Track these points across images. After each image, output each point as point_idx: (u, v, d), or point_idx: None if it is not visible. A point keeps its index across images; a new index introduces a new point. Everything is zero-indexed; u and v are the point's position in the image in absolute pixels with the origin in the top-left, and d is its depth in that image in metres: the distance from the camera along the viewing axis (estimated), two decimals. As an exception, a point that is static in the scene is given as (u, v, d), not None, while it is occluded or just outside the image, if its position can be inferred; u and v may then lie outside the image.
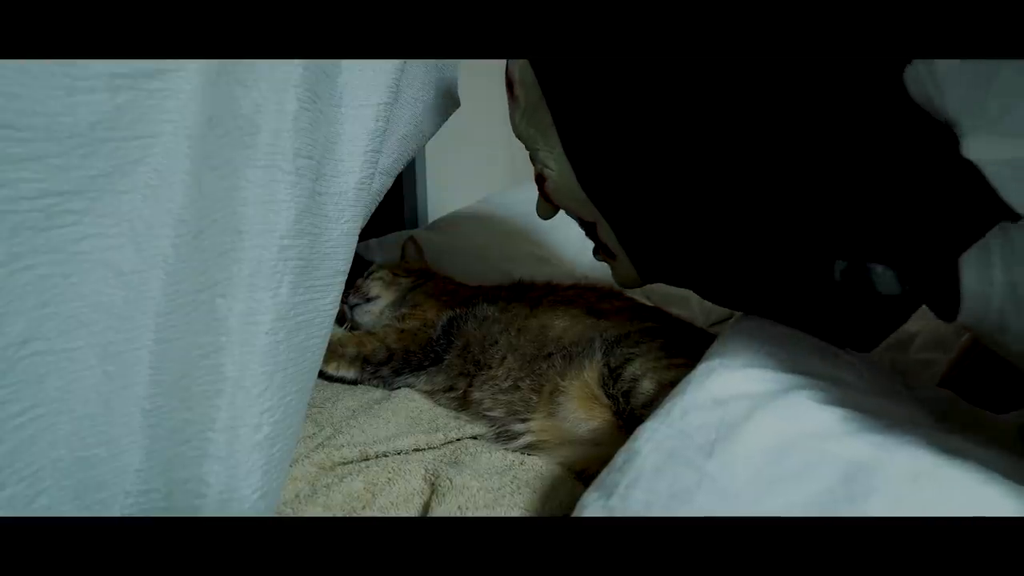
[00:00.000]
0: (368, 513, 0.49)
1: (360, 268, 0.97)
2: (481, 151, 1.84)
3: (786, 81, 0.41)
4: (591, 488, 0.39)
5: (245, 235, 0.40)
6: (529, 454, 0.58)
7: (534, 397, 0.63)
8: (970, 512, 0.29)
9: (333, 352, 0.75)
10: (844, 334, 0.50)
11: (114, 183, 0.33)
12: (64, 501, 0.33)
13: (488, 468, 0.54)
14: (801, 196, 0.44)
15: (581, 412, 0.58)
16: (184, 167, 0.36)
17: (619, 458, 0.39)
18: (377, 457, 0.56)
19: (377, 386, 0.76)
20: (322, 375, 0.75)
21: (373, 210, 0.65)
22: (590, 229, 0.60)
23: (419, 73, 0.64)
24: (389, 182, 0.65)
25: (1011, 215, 0.33)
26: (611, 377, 0.58)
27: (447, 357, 0.74)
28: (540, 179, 0.59)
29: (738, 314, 0.58)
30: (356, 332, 0.84)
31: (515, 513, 0.48)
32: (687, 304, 1.08)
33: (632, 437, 0.40)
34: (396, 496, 0.51)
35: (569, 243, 1.18)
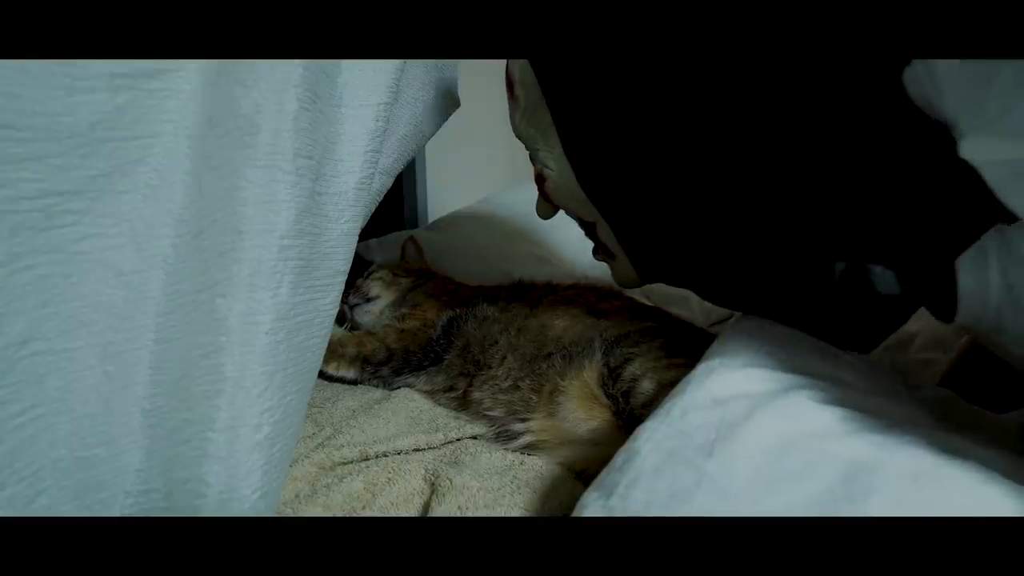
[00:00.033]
0: (368, 513, 0.49)
1: (360, 268, 0.97)
2: (481, 151, 1.84)
3: (785, 82, 0.41)
4: (591, 488, 0.39)
5: (245, 235, 0.40)
6: (529, 454, 0.58)
7: (534, 397, 0.63)
8: (970, 512, 0.29)
9: (333, 352, 0.75)
10: (844, 334, 0.50)
11: (114, 183, 0.33)
12: (64, 501, 0.33)
13: (488, 468, 0.54)
14: (800, 197, 0.44)
15: (581, 412, 0.58)
16: (184, 167, 0.36)
17: (619, 458, 0.39)
18: (377, 457, 0.56)
19: (377, 386, 0.76)
20: (322, 375, 0.75)
21: (373, 210, 0.65)
22: (590, 229, 0.60)
23: (419, 73, 0.64)
24: (389, 182, 0.65)
25: (1008, 217, 0.33)
26: (611, 377, 0.58)
27: (447, 357, 0.74)
28: (540, 179, 0.59)
29: (738, 314, 0.58)
30: (356, 332, 0.84)
31: (515, 513, 0.48)
32: (687, 304, 1.08)
33: (632, 437, 0.40)
34: (396, 496, 0.51)
35: (569, 243, 1.18)
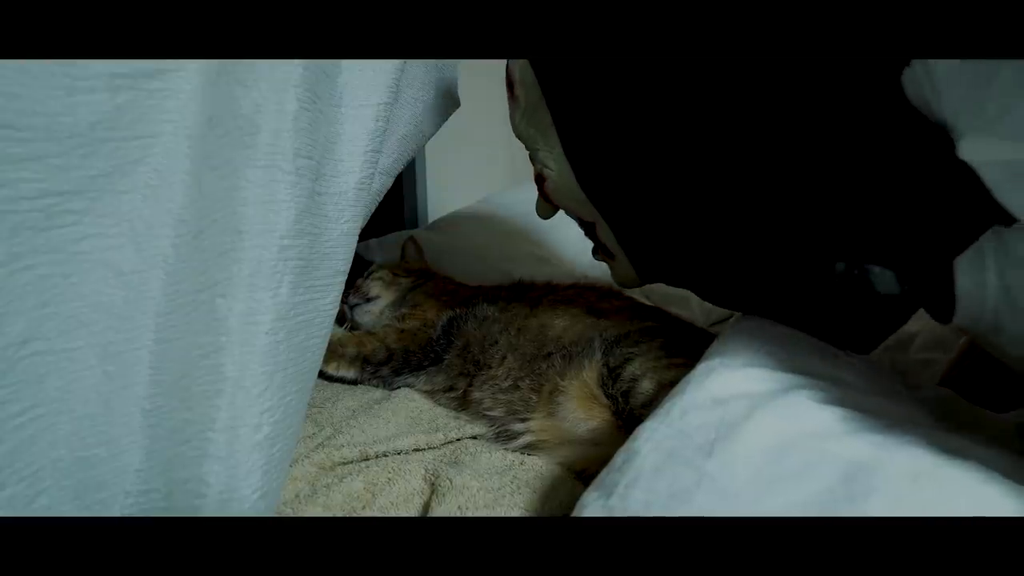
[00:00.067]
0: (368, 513, 0.49)
1: (360, 268, 0.97)
2: (481, 151, 1.84)
3: (785, 83, 0.41)
4: (591, 488, 0.39)
5: (245, 235, 0.40)
6: (529, 454, 0.58)
7: (534, 397, 0.63)
8: (970, 512, 0.29)
9: (333, 352, 0.75)
10: (843, 335, 0.50)
11: (114, 183, 0.33)
12: (64, 501, 0.33)
13: (488, 468, 0.54)
14: (799, 197, 0.44)
15: (580, 412, 0.58)
16: (184, 167, 0.36)
17: (618, 458, 0.39)
18: (377, 457, 0.56)
19: (377, 386, 0.76)
20: (322, 375, 0.75)
21: (373, 210, 0.65)
22: (589, 229, 0.60)
23: (419, 73, 0.64)
24: (389, 182, 0.65)
25: (1005, 219, 0.33)
26: (610, 377, 0.58)
27: (447, 357, 0.74)
28: (540, 179, 0.59)
29: (738, 314, 0.58)
30: (356, 332, 0.84)
31: (515, 513, 0.48)
32: (687, 304, 1.08)
33: (631, 437, 0.40)
34: (396, 496, 0.51)
35: (569, 243, 1.18)
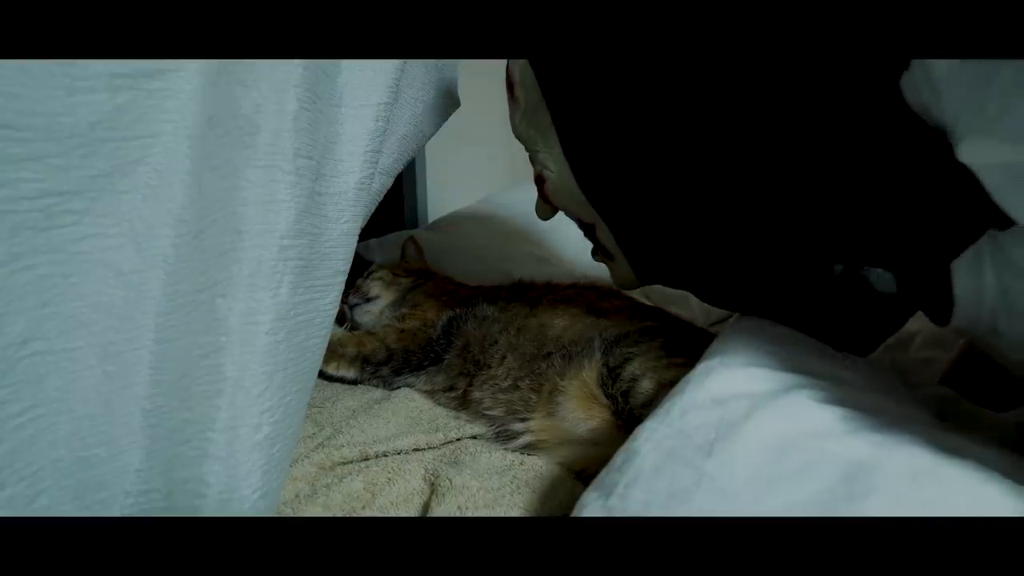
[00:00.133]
0: (368, 513, 0.49)
1: (360, 268, 0.97)
2: (481, 151, 1.84)
3: (785, 86, 0.41)
4: (590, 488, 0.39)
5: (245, 235, 0.40)
6: (528, 454, 0.58)
7: (533, 397, 0.63)
8: (970, 511, 0.29)
9: (333, 352, 0.75)
10: (842, 337, 0.50)
11: (114, 183, 0.33)
12: (64, 501, 0.33)
13: (488, 468, 0.54)
14: (797, 199, 0.44)
15: (580, 412, 0.58)
16: (184, 167, 0.36)
17: (618, 458, 0.39)
18: (377, 457, 0.56)
19: (377, 386, 0.76)
20: (322, 375, 0.75)
21: (373, 210, 0.65)
22: (589, 230, 0.60)
23: (419, 73, 0.64)
24: (389, 182, 0.65)
25: (1001, 222, 0.33)
26: (610, 377, 0.58)
27: (447, 357, 0.74)
28: (539, 180, 0.59)
29: (738, 313, 0.58)
30: (356, 332, 0.84)
31: (515, 513, 0.48)
32: (687, 304, 1.08)
33: (631, 437, 0.40)
34: (396, 496, 0.51)
35: (569, 243, 1.18)
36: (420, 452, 0.59)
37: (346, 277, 0.51)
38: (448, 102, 0.74)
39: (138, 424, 0.36)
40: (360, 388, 0.75)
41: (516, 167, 1.80)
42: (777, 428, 0.35)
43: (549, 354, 0.65)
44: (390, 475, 0.52)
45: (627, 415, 0.55)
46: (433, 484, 0.51)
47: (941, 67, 0.32)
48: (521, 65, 0.56)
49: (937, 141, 0.34)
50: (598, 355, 0.61)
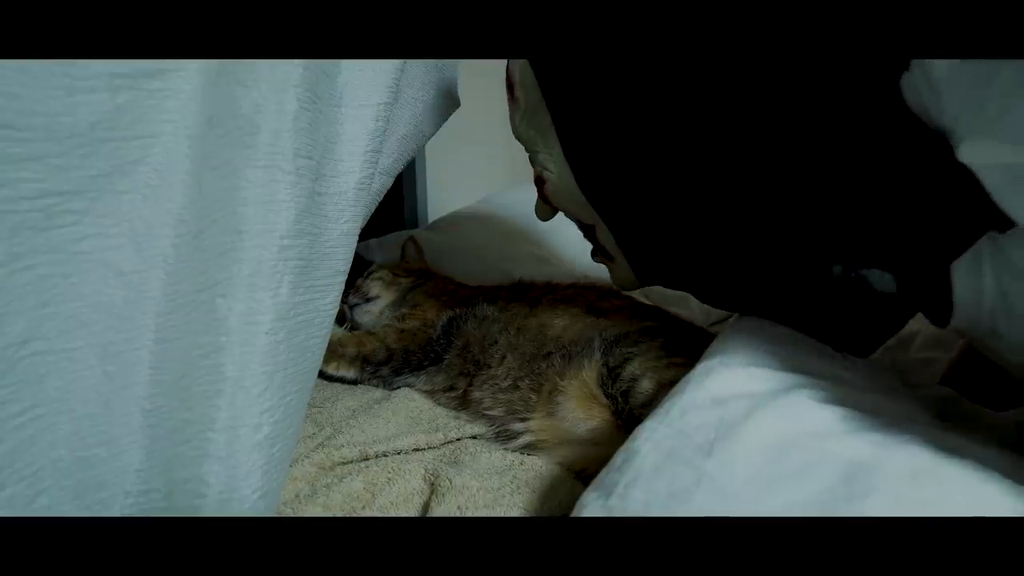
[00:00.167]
0: (368, 513, 0.49)
1: (360, 268, 0.97)
2: (481, 151, 1.84)
3: (784, 87, 0.41)
4: (590, 488, 0.39)
5: (245, 235, 0.40)
6: (528, 454, 0.58)
7: (533, 396, 0.63)
8: (970, 511, 0.29)
9: (333, 352, 0.75)
10: (841, 338, 0.50)
11: (114, 183, 0.33)
12: (64, 501, 0.33)
13: (488, 468, 0.54)
14: (797, 201, 0.44)
15: (580, 412, 0.58)
16: (184, 167, 0.36)
17: (618, 458, 0.39)
18: (377, 457, 0.56)
19: (377, 386, 0.76)
20: (322, 375, 0.75)
21: (373, 210, 0.65)
22: (589, 231, 0.60)
23: (419, 73, 0.64)
24: (389, 182, 0.65)
25: (1001, 224, 0.33)
26: (610, 377, 0.58)
27: (447, 357, 0.74)
28: (539, 181, 0.59)
29: (737, 313, 0.58)
30: (356, 332, 0.84)
31: (515, 513, 0.48)
32: (687, 303, 1.08)
33: (631, 437, 0.40)
34: (396, 496, 0.51)
35: (569, 243, 1.18)
36: (420, 452, 0.59)
37: (346, 277, 0.51)
38: (448, 102, 0.74)
39: (138, 424, 0.36)
40: (360, 388, 0.75)
41: (516, 167, 1.80)
42: (777, 428, 0.35)
43: (549, 354, 0.65)
44: (390, 475, 0.52)
45: (627, 415, 0.55)
46: (433, 484, 0.51)
47: (941, 67, 0.32)
48: (521, 65, 0.56)
49: (937, 142, 0.34)
50: (598, 355, 0.61)
